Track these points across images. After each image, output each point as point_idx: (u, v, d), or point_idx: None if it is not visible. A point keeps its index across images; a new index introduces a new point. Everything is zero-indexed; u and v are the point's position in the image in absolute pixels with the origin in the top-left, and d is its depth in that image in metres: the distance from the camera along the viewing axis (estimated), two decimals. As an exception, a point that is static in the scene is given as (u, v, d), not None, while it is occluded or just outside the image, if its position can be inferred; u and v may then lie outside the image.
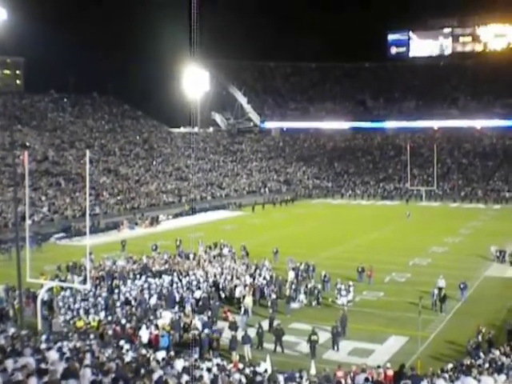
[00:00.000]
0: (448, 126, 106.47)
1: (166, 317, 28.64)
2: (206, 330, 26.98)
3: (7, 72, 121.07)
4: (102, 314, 29.83)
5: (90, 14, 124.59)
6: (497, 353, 22.69)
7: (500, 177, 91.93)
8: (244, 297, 32.28)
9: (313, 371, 23.46)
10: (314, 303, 33.29)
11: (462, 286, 34.19)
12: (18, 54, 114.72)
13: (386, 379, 21.57)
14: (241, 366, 22.20)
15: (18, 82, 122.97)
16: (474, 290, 36.47)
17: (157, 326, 27.23)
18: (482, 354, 23.02)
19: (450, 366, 21.99)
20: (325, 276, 36.44)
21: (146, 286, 33.55)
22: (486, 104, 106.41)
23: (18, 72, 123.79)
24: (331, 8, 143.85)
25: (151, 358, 20.28)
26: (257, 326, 27.65)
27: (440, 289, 32.87)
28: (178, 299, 32.43)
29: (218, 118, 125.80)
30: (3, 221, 58.70)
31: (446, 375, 20.68)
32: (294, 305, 32.95)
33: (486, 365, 20.96)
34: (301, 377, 21.20)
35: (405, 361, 23.59)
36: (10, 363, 15.87)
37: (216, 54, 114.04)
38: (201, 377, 17.37)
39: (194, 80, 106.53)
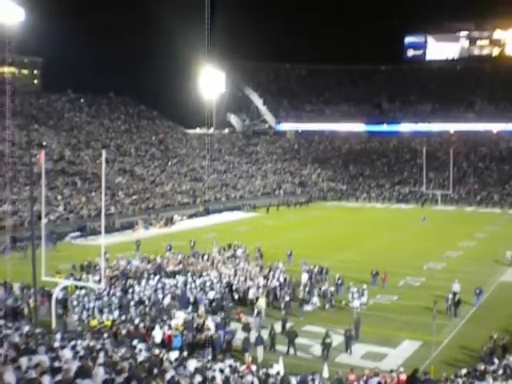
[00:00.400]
0: (464, 130, 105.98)
1: (179, 317, 28.68)
2: (220, 331, 27.01)
3: (25, 72, 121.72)
4: (116, 314, 29.92)
5: (108, 15, 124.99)
6: (511, 358, 22.57)
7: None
8: (257, 298, 32.29)
9: (325, 374, 23.44)
10: (327, 306, 33.23)
11: (477, 291, 34.00)
12: (35, 54, 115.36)
13: None
14: (253, 367, 22.19)
15: (35, 81, 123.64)
16: (489, 295, 36.24)
17: (170, 326, 27.28)
18: (496, 360, 22.89)
19: (464, 371, 21.89)
20: (338, 279, 36.36)
21: (159, 286, 33.61)
22: (502, 108, 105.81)
23: (35, 72, 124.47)
24: (348, 10, 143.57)
25: (164, 358, 20.33)
26: (269, 328, 27.64)
27: (455, 293, 32.70)
28: (191, 300, 32.46)
29: (233, 119, 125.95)
30: (19, 219, 59.04)
31: (460, 380, 20.62)
32: (308, 307, 32.90)
33: (500, 370, 20.87)
34: (313, 380, 21.18)
35: (418, 365, 23.51)
36: (24, 361, 15.97)
37: (232, 56, 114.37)
38: (213, 378, 17.39)
39: (210, 81, 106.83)
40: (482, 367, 22.07)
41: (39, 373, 13.42)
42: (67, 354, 18.73)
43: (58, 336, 23.10)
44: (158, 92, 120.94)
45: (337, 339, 27.40)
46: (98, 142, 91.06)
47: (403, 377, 21.70)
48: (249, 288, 34.13)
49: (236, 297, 34.19)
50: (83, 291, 32.41)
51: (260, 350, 26.07)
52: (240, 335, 27.45)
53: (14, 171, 69.23)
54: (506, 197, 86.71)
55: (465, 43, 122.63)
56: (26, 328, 23.55)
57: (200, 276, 35.76)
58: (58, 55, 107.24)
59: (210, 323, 27.88)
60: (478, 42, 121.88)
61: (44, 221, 35.66)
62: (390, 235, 59.51)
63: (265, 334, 27.43)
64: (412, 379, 21.42)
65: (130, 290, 33.05)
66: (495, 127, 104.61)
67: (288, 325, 28.69)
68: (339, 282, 36.19)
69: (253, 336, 26.69)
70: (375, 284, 37.93)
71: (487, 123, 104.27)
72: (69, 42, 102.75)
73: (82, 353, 19.32)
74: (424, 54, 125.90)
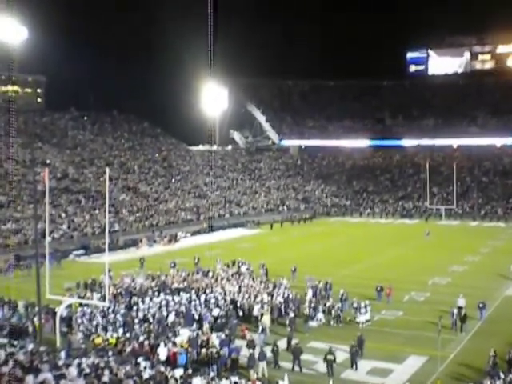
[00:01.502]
0: (467, 144, 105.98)
1: (183, 334, 28.64)
2: (224, 348, 26.94)
3: (28, 90, 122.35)
4: (121, 331, 29.88)
5: (110, 33, 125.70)
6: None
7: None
8: (262, 315, 32.20)
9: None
10: (332, 322, 33.13)
11: (480, 305, 33.87)
12: (39, 73, 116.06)
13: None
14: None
15: (38, 100, 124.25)
16: (494, 309, 36.11)
17: (175, 344, 27.21)
18: (501, 375, 22.79)
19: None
20: (342, 295, 36.26)
21: (164, 303, 33.57)
22: (505, 122, 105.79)
23: (39, 90, 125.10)
24: (350, 26, 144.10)
25: (169, 376, 20.29)
26: (272, 345, 27.55)
27: (460, 308, 32.60)
28: (196, 317, 32.40)
29: (236, 135, 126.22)
30: (23, 237, 59.16)
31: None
32: (313, 323, 32.81)
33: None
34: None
35: (424, 381, 23.46)
36: (29, 379, 15.97)
37: (234, 72, 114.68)
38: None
39: (213, 98, 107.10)
40: (487, 382, 21.99)
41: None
42: (72, 371, 18.73)
43: (63, 354, 23.10)
44: (161, 109, 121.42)
45: (343, 355, 27.30)
46: (101, 159, 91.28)
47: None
48: (253, 305, 34.05)
49: (240, 314, 34.08)
50: (87, 309, 32.40)
51: (263, 365, 25.99)
52: (245, 352, 27.37)
53: (18, 189, 69.42)
54: (510, 211, 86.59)
55: (467, 58, 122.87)
56: (31, 346, 23.53)
57: (204, 293, 35.72)
58: (61, 73, 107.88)
59: (215, 340, 27.82)
60: (480, 57, 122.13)
61: (48, 239, 35.70)
62: (394, 250, 59.41)
63: (269, 351, 27.37)
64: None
65: (135, 308, 33.02)
66: (498, 141, 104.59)
67: (293, 341, 28.60)
68: (343, 297, 36.10)
69: (257, 352, 26.62)
70: (380, 299, 37.82)
71: (490, 137, 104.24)
72: (72, 61, 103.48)
73: (87, 370, 19.32)
74: (426, 69, 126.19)
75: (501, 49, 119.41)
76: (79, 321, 31.55)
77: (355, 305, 33.34)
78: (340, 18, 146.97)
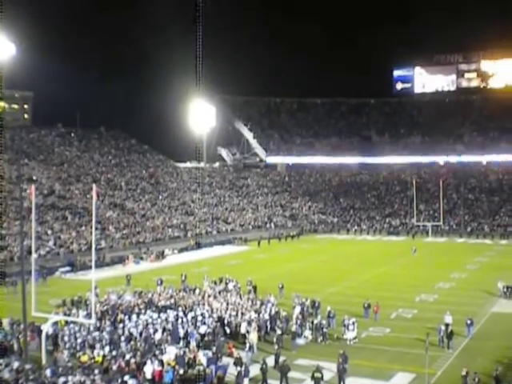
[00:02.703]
0: (454, 162, 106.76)
1: (170, 352, 28.45)
2: (211, 366, 26.79)
3: (15, 106, 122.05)
4: (107, 349, 29.64)
5: (98, 50, 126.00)
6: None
7: (506, 212, 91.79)
8: (249, 332, 32.07)
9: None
10: (319, 339, 33.04)
11: (468, 321, 33.90)
12: (26, 89, 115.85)
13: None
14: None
15: (25, 116, 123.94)
16: (482, 326, 36.14)
17: (161, 362, 27.03)
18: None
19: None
20: (329, 312, 36.19)
21: (150, 320, 33.38)
22: (491, 139, 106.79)
23: (25, 106, 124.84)
24: (337, 44, 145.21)
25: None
26: (261, 362, 27.43)
27: (447, 325, 32.60)
28: (182, 334, 32.23)
29: (223, 152, 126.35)
30: (9, 254, 58.79)
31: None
32: (300, 341, 32.69)
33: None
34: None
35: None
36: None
37: (222, 90, 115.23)
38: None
39: (201, 115, 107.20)
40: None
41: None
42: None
43: (49, 372, 22.91)
44: (149, 126, 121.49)
45: (330, 372, 27.22)
46: (88, 176, 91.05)
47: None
48: (241, 322, 33.91)
49: (228, 331, 33.93)
50: (73, 326, 32.16)
51: (246, 382, 25.87)
52: (232, 370, 27.23)
53: (4, 206, 68.98)
54: (497, 228, 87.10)
55: (453, 76, 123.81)
56: (16, 364, 23.37)
57: (191, 310, 35.55)
58: (48, 90, 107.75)
59: (202, 358, 27.67)
60: (466, 75, 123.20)
61: (34, 256, 35.46)
62: (381, 267, 59.45)
63: (257, 368, 27.24)
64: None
65: (121, 325, 32.81)
66: (484, 159, 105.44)
67: (281, 359, 28.48)
68: (331, 314, 36.04)
69: (243, 369, 26.46)
70: (367, 316, 37.78)
71: (476, 155, 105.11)
72: (59, 77, 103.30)
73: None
74: (412, 87, 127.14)
75: (486, 66, 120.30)
76: (65, 338, 31.29)
77: (346, 322, 33.26)
78: (327, 37, 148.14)
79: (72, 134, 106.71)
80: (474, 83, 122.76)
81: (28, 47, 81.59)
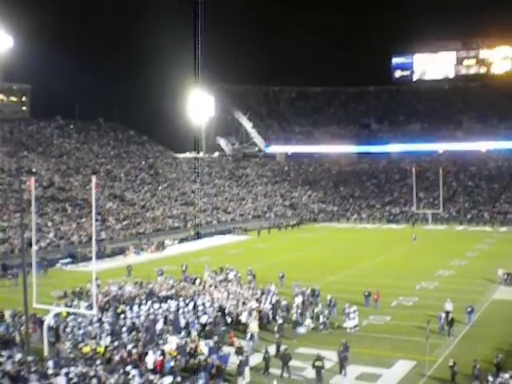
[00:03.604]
0: (453, 149, 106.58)
1: (172, 342, 28.53)
2: (213, 356, 26.86)
3: (13, 99, 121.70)
4: (108, 340, 29.72)
5: (96, 41, 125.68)
6: (505, 376, 22.56)
7: (506, 199, 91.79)
8: (250, 322, 32.14)
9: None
10: (320, 328, 33.11)
11: (469, 309, 33.98)
12: (24, 81, 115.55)
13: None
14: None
15: (24, 108, 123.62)
16: (482, 313, 36.24)
17: (163, 352, 27.13)
18: (490, 378, 22.86)
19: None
20: (330, 300, 36.28)
21: (152, 311, 33.49)
22: (490, 126, 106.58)
23: (24, 99, 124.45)
24: (336, 32, 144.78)
25: (158, 384, 20.24)
26: (263, 351, 27.52)
27: (447, 312, 32.68)
28: (183, 324, 32.32)
29: (222, 142, 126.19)
30: (10, 247, 58.83)
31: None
32: (301, 329, 32.77)
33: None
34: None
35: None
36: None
37: (221, 79, 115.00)
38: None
39: (199, 105, 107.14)
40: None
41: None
42: (61, 381, 18.66)
43: (51, 363, 22.99)
44: (148, 117, 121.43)
45: (331, 361, 27.31)
46: (87, 167, 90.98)
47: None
48: (241, 311, 34.00)
49: (229, 320, 34.02)
50: (75, 318, 32.25)
51: (247, 370, 25.96)
52: (233, 359, 27.31)
53: (4, 198, 69.08)
54: (496, 215, 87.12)
55: (452, 63, 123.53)
56: (18, 356, 23.45)
57: (192, 300, 35.63)
58: (46, 82, 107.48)
59: (203, 347, 27.76)
60: (465, 62, 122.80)
61: (35, 248, 35.49)
62: (381, 255, 59.53)
63: (258, 358, 27.33)
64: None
65: (122, 316, 32.89)
66: (484, 146, 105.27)
67: (282, 347, 28.57)
68: (331, 303, 36.12)
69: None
70: (368, 305, 37.87)
71: (476, 142, 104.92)
72: (57, 69, 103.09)
73: (75, 380, 19.27)
74: (411, 74, 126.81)
75: (485, 53, 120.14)
76: (67, 330, 31.39)
77: (347, 310, 33.33)
78: (326, 25, 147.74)
79: (71, 126, 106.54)
80: (473, 70, 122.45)
81: (26, 40, 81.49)
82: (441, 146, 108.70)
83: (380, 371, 26.93)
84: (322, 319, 33.31)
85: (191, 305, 34.70)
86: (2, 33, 66.88)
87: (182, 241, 71.64)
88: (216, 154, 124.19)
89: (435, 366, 27.14)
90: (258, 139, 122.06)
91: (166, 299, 36.22)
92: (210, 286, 40.01)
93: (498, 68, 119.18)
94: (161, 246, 66.54)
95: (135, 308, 34.17)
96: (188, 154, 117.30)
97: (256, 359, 27.71)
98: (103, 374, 21.22)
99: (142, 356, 26.74)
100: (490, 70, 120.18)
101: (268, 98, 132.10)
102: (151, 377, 22.08)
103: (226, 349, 28.92)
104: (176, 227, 78.58)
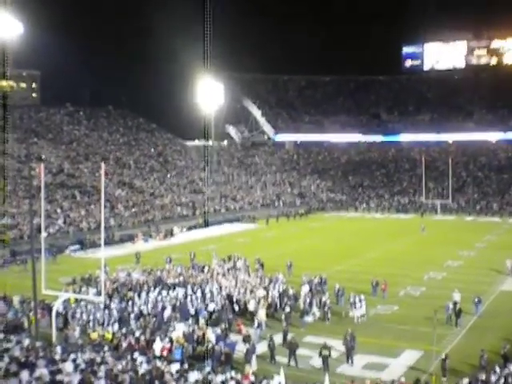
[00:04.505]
0: (463, 140, 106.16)
1: (179, 329, 28.63)
2: (220, 343, 26.95)
3: (23, 85, 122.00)
4: (116, 326, 29.86)
5: (106, 28, 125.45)
6: (512, 367, 22.53)
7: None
8: (257, 310, 32.21)
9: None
10: (328, 316, 33.11)
11: (476, 300, 33.95)
12: (34, 68, 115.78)
13: (400, 393, 21.47)
14: (252, 378, 22.12)
15: (34, 95, 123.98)
16: (490, 304, 36.19)
17: (171, 339, 27.23)
18: (497, 369, 22.84)
19: (466, 381, 21.83)
20: (338, 290, 36.32)
21: (160, 298, 33.60)
22: (501, 117, 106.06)
23: (33, 85, 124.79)
24: (345, 21, 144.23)
25: (165, 371, 20.31)
26: (268, 339, 27.58)
27: (455, 303, 32.64)
28: (191, 312, 32.42)
29: (232, 130, 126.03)
30: (19, 233, 59.06)
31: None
32: (308, 318, 32.82)
33: (502, 380, 20.82)
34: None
35: (419, 375, 23.49)
36: (25, 374, 15.97)
37: (230, 67, 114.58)
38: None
39: (209, 93, 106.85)
40: (483, 376, 22.04)
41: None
42: (68, 367, 18.76)
43: (59, 349, 23.10)
44: (157, 104, 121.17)
45: (338, 349, 27.37)
46: (96, 154, 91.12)
47: (405, 387, 21.67)
48: (249, 299, 34.07)
49: (236, 308, 34.11)
50: (83, 304, 32.40)
51: (254, 358, 26.03)
52: (240, 347, 27.39)
53: (14, 185, 69.29)
54: (506, 206, 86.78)
55: (463, 53, 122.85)
56: (27, 341, 23.56)
57: (200, 288, 35.72)
58: (56, 68, 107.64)
59: (211, 335, 27.84)
60: (476, 52, 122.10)
61: (44, 234, 35.65)
62: (389, 245, 59.49)
63: (265, 346, 27.42)
64: (413, 389, 21.40)
65: (130, 303, 33.02)
66: (494, 136, 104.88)
67: (289, 336, 28.64)
68: (339, 292, 36.17)
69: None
70: (375, 294, 37.88)
71: (486, 132, 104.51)
72: (67, 56, 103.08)
73: (82, 366, 19.35)
74: (422, 64, 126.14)
75: (497, 43, 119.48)
76: (76, 316, 31.55)
77: (351, 299, 33.37)
78: (336, 13, 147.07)
79: (80, 113, 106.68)
80: (484, 60, 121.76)
81: (35, 26, 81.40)
82: (451, 137, 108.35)
83: (387, 361, 26.97)
84: (326, 308, 33.26)
85: (199, 292, 34.80)
86: (11, 19, 66.77)
87: (190, 228, 71.74)
88: (225, 142, 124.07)
89: (442, 356, 27.12)
90: (267, 127, 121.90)
91: (174, 286, 36.32)
92: (218, 273, 40.09)
93: (510, 58, 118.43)
94: (169, 234, 66.69)
95: (143, 295, 34.30)
96: (197, 142, 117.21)
97: (263, 347, 27.79)
98: (111, 361, 21.30)
99: (150, 343, 26.87)
100: (501, 60, 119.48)
101: (277, 86, 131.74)
102: (158, 363, 22.15)
103: (233, 337, 29.02)
104: (184, 215, 78.70)
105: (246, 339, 27.60)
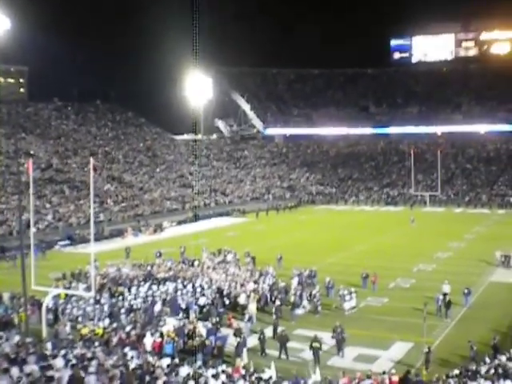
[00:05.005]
0: (451, 131, 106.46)
1: (170, 324, 28.63)
2: (211, 337, 26.97)
3: (11, 80, 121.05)
4: (107, 321, 29.82)
5: (93, 23, 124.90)
6: (503, 358, 22.64)
7: (504, 181, 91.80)
8: (248, 303, 32.25)
9: (318, 378, 23.42)
10: (318, 309, 33.18)
11: (465, 291, 34.10)
12: (21, 63, 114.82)
13: (391, 385, 21.55)
14: (243, 371, 22.16)
15: (21, 90, 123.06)
16: (479, 295, 36.37)
17: (161, 333, 27.22)
18: (487, 360, 22.97)
19: (456, 371, 21.95)
20: (329, 282, 36.41)
21: (150, 293, 33.57)
22: (489, 109, 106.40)
23: (21, 80, 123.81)
24: (334, 13, 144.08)
25: (156, 365, 20.29)
26: (259, 333, 27.62)
27: (445, 294, 32.80)
28: (182, 306, 32.41)
29: (221, 124, 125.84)
30: (8, 229, 58.86)
31: (452, 381, 20.69)
32: (299, 311, 32.89)
33: (492, 371, 20.94)
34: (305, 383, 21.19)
35: (410, 367, 23.58)
36: (15, 371, 15.90)
37: (219, 61, 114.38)
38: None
39: (197, 87, 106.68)
40: (473, 367, 22.17)
41: (30, 382, 13.40)
42: (59, 362, 18.69)
43: (49, 345, 23.02)
44: (145, 99, 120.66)
45: (329, 342, 27.43)
46: (85, 149, 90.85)
47: (395, 378, 21.77)
48: (240, 293, 34.09)
49: (227, 302, 34.11)
50: (73, 299, 32.33)
51: (244, 352, 26.07)
52: (231, 340, 27.42)
53: (2, 180, 69.00)
54: (494, 197, 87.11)
55: (451, 45, 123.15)
56: (17, 338, 23.44)
57: (190, 282, 35.71)
58: (43, 64, 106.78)
59: (202, 329, 27.85)
60: (464, 44, 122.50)
61: (33, 230, 35.50)
62: (379, 238, 59.61)
63: (256, 339, 27.45)
64: (404, 381, 21.49)
65: (121, 298, 32.98)
66: (482, 128, 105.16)
67: (279, 329, 28.68)
68: (329, 285, 36.26)
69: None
70: (365, 286, 37.98)
71: (474, 124, 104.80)
72: (54, 51, 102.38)
73: (73, 361, 19.29)
74: (410, 56, 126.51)
75: (484, 36, 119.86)
76: (66, 311, 31.47)
77: (341, 292, 33.46)
78: (323, 7, 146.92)
79: (69, 108, 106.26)
80: (473, 52, 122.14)
81: (23, 21, 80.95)
82: (439, 129, 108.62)
83: (377, 353, 27.07)
84: (316, 301, 33.34)
85: (189, 287, 34.80)
86: (-2, 14, 66.49)
87: (179, 223, 71.62)
88: (214, 135, 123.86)
89: (432, 347, 27.21)
90: (256, 121, 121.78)
91: (164, 281, 36.30)
92: (209, 267, 40.09)
93: (497, 50, 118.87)
94: (159, 228, 66.59)
95: (133, 290, 34.25)
96: (186, 136, 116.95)
97: (254, 341, 27.82)
98: (102, 356, 21.24)
99: (140, 337, 26.83)
100: (489, 52, 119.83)
101: (266, 80, 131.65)
102: (149, 358, 22.13)
103: (224, 330, 29.04)
104: (174, 209, 78.60)
105: (237, 333, 27.62)
